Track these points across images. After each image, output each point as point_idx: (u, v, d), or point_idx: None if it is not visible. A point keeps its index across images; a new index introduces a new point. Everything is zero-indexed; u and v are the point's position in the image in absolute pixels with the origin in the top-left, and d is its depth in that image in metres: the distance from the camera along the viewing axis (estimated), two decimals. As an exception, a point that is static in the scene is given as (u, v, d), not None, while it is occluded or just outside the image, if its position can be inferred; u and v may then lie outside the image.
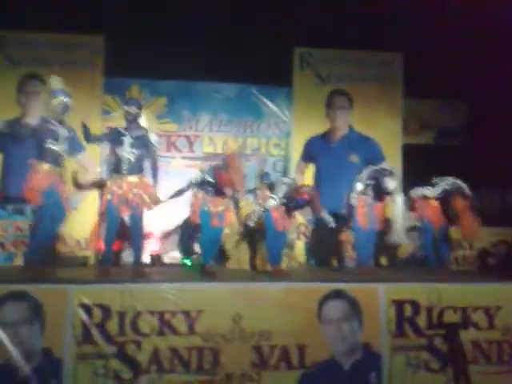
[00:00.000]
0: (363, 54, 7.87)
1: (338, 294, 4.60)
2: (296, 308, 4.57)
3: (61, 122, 5.26)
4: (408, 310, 4.59)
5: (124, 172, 5.40)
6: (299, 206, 5.91)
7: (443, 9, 7.35)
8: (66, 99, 5.25)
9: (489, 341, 4.64)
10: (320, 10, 7.56)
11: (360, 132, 7.69)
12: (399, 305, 4.59)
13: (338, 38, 7.60)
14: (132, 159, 5.43)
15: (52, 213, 5.06)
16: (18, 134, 7.00)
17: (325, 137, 7.69)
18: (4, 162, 7.04)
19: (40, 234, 5.14)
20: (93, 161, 7.13)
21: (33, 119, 7.07)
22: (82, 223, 6.97)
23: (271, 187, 5.89)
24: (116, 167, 5.47)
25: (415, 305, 4.60)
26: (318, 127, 7.71)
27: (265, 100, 7.94)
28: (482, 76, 7.72)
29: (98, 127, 7.15)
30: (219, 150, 7.65)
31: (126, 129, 5.54)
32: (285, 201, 5.62)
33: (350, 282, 4.77)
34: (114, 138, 5.50)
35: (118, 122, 7.37)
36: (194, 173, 6.49)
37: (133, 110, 5.56)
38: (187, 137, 7.74)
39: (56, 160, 5.17)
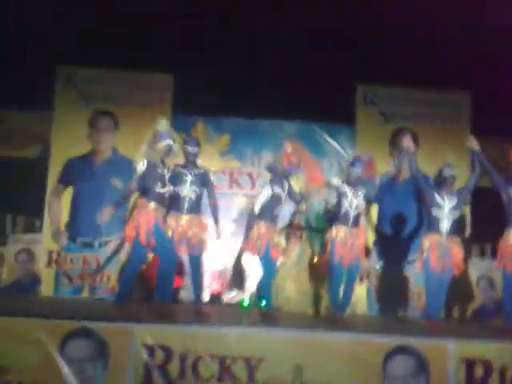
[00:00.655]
0: (428, 92, 7.72)
1: (405, 349, 4.43)
2: (360, 362, 4.43)
3: (163, 164, 5.48)
4: (479, 371, 4.36)
5: (184, 210, 5.45)
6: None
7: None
8: (170, 142, 5.47)
9: None
10: (384, 48, 7.55)
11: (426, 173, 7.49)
12: (470, 364, 4.37)
13: (401, 75, 7.53)
14: (193, 198, 5.49)
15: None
16: (88, 170, 7.26)
17: (391, 178, 7.52)
18: (74, 196, 7.28)
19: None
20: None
21: (104, 155, 7.35)
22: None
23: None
24: (176, 205, 5.53)
25: (487, 365, 4.37)
26: (383, 166, 7.58)
27: (327, 138, 7.88)
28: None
29: (165, 164, 7.39)
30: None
31: (186, 167, 5.61)
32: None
33: (418, 335, 4.59)
34: (175, 176, 5.56)
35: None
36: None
37: (193, 149, 5.67)
38: (249, 174, 7.77)
39: (161, 200, 5.39)
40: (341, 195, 5.79)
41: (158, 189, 5.37)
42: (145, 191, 5.40)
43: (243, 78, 7.56)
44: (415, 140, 7.58)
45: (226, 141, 7.74)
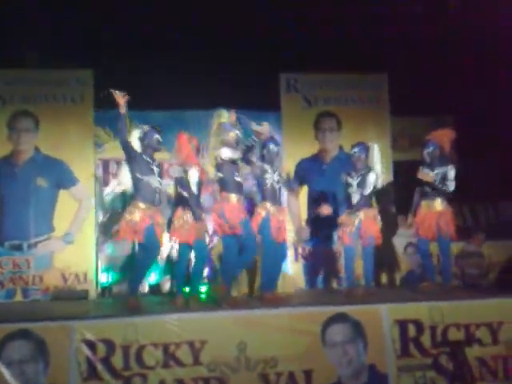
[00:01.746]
0: (348, 76, 7.99)
1: (340, 317, 4.61)
2: (300, 333, 4.58)
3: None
4: (412, 330, 4.62)
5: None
6: None
7: (426, 26, 7.55)
8: (238, 132, 5.61)
9: (494, 357, 4.67)
10: (303, 36, 7.74)
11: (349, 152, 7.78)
12: (403, 325, 4.62)
13: (322, 61, 7.75)
14: None
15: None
16: (10, 172, 7.01)
17: (316, 158, 7.77)
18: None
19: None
20: (87, 193, 7.16)
21: (26, 155, 7.12)
22: (80, 256, 6.95)
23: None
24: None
25: (419, 324, 4.63)
26: (308, 149, 7.80)
27: (254, 125, 7.97)
28: (468, 90, 7.88)
29: (90, 159, 7.25)
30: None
31: None
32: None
33: (352, 304, 4.79)
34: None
35: (110, 153, 7.53)
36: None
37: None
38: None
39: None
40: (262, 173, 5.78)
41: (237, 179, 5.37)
42: (224, 183, 5.35)
43: (166, 68, 7.53)
44: (338, 122, 7.88)
45: (154, 133, 7.68)
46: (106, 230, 7.37)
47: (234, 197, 5.31)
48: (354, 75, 7.98)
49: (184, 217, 5.62)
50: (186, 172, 5.73)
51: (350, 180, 5.90)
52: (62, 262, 6.89)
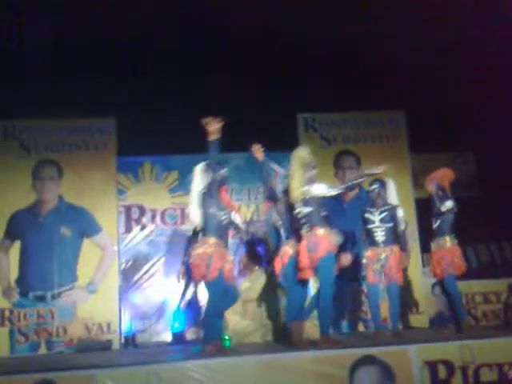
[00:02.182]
0: (366, 114, 8.02)
1: (368, 360, 4.47)
2: (327, 377, 4.44)
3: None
4: (442, 371, 4.44)
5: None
6: None
7: (441, 63, 7.58)
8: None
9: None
10: (319, 76, 7.82)
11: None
12: (432, 366, 4.45)
13: (339, 100, 7.80)
14: None
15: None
16: (34, 221, 7.11)
17: (336, 197, 7.69)
18: (22, 249, 7.09)
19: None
20: (110, 241, 7.20)
21: (50, 204, 7.23)
22: (103, 306, 6.96)
23: None
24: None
25: (449, 364, 4.46)
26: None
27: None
28: (487, 126, 7.82)
29: (113, 206, 7.33)
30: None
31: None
32: None
33: (379, 346, 4.65)
34: None
35: (132, 199, 7.60)
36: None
37: None
38: (201, 208, 7.77)
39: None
40: None
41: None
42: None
43: (186, 112, 7.64)
44: (357, 160, 7.86)
45: (175, 177, 7.78)
46: (129, 278, 7.37)
47: (322, 230, 5.17)
48: (371, 113, 8.01)
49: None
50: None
51: (370, 216, 5.79)
52: (86, 312, 6.91)
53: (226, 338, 5.75)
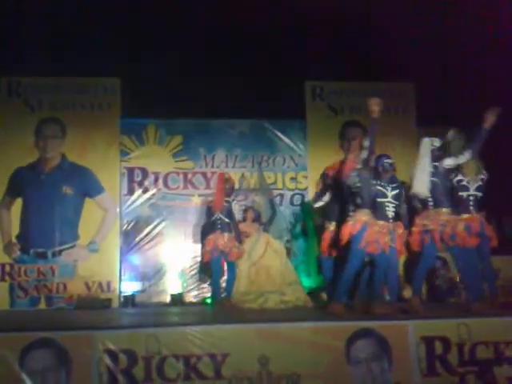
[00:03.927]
0: (374, 85, 7.89)
1: (365, 332, 4.51)
2: (324, 348, 4.49)
3: None
4: (439, 347, 4.49)
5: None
6: None
7: (452, 35, 7.45)
8: None
9: (524, 377, 4.52)
10: (329, 45, 7.70)
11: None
12: (429, 342, 4.50)
13: (348, 70, 7.69)
14: None
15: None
16: (36, 179, 7.09)
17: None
18: (24, 206, 7.09)
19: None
20: (112, 202, 7.19)
21: (53, 162, 7.20)
22: (103, 265, 7.00)
23: None
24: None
25: (446, 341, 4.50)
26: (334, 159, 7.70)
27: (279, 134, 7.97)
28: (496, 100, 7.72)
29: (116, 167, 7.30)
30: (236, 186, 7.68)
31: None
32: None
33: (377, 319, 4.69)
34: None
35: (135, 162, 7.57)
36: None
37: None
38: (203, 174, 7.76)
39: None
40: None
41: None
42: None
43: (192, 78, 7.55)
44: (364, 131, 7.77)
45: (178, 142, 7.72)
46: (130, 240, 7.41)
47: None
48: (380, 84, 7.90)
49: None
50: None
51: (383, 190, 5.61)
52: (86, 271, 6.98)
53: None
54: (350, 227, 5.25)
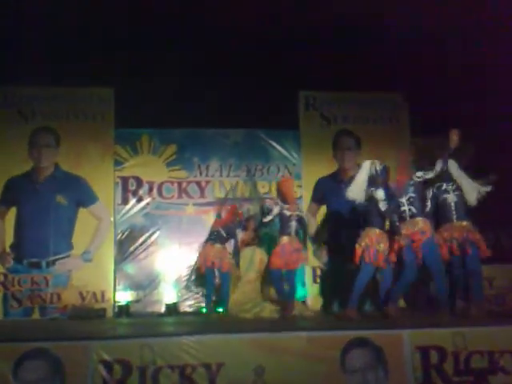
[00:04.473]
0: (368, 94, 7.95)
1: (361, 342, 4.52)
2: (319, 358, 4.49)
3: None
4: (434, 357, 4.50)
5: None
6: None
7: (444, 46, 7.50)
8: None
9: (519, 386, 4.53)
10: (322, 55, 7.73)
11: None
12: (425, 351, 4.51)
13: (341, 80, 7.73)
14: None
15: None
16: (31, 188, 7.07)
17: (334, 177, 7.72)
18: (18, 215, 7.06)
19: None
20: (106, 211, 7.18)
21: (46, 172, 7.19)
22: (98, 275, 6.98)
23: None
24: None
25: (441, 351, 4.51)
26: (328, 168, 7.75)
27: (273, 143, 8.00)
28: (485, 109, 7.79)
29: (110, 177, 7.29)
30: (230, 195, 7.70)
31: None
32: None
33: (373, 328, 4.70)
34: None
35: (129, 171, 7.57)
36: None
37: None
38: (198, 183, 7.77)
39: None
40: None
41: None
42: None
43: (185, 88, 7.56)
44: (357, 141, 7.82)
45: (172, 151, 7.72)
46: (124, 249, 7.39)
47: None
48: (373, 94, 7.95)
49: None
50: None
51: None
52: (80, 281, 6.95)
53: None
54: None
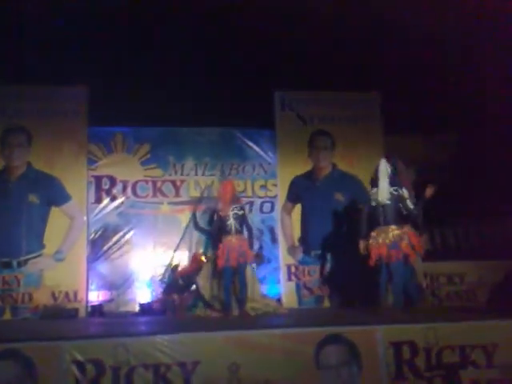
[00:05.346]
0: (342, 94, 8.01)
1: (335, 339, 4.55)
2: (293, 354, 4.51)
3: None
4: (406, 352, 4.56)
5: None
6: None
7: (417, 44, 7.60)
8: None
9: (489, 380, 4.61)
10: (297, 53, 7.77)
11: (343, 170, 7.80)
12: (397, 347, 4.56)
13: (316, 80, 7.78)
14: None
15: None
16: (2, 187, 6.96)
17: (309, 176, 7.76)
18: None
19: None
20: (79, 210, 7.10)
21: (19, 171, 7.08)
22: (70, 275, 6.89)
23: None
24: None
25: (413, 346, 4.58)
26: (303, 167, 7.79)
27: (248, 142, 8.00)
28: (466, 108, 7.91)
29: (83, 176, 7.21)
30: (205, 194, 7.69)
31: None
32: None
33: (346, 324, 4.74)
34: None
35: (103, 169, 7.49)
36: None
37: None
38: (173, 182, 7.73)
39: None
40: None
41: None
42: None
43: (160, 86, 7.53)
44: (332, 141, 7.88)
45: (147, 150, 7.67)
46: (97, 248, 7.31)
47: None
48: (348, 93, 8.01)
49: None
50: None
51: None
52: (52, 280, 6.84)
53: None
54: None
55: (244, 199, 7.63)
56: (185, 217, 7.57)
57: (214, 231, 6.83)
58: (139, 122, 7.59)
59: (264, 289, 7.21)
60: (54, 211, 7.05)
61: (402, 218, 5.83)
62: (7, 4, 6.82)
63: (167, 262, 7.39)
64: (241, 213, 6.54)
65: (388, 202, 5.80)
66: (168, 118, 7.60)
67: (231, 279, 6.38)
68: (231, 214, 6.47)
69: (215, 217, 6.81)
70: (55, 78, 7.14)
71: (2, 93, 7.19)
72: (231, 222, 6.42)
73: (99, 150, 7.53)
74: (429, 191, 6.05)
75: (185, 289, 6.93)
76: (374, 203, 5.88)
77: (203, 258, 7.18)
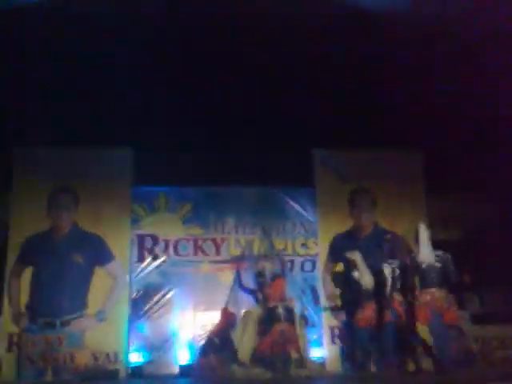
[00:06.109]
0: (382, 152, 7.97)
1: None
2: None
3: None
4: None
5: None
6: None
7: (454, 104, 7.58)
8: None
9: None
10: (338, 113, 7.85)
11: (385, 228, 7.67)
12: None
13: (356, 138, 7.79)
14: None
15: None
16: (48, 247, 7.10)
17: (350, 234, 7.66)
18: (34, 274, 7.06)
19: None
20: (122, 270, 7.17)
21: (64, 230, 7.25)
22: (111, 335, 6.91)
23: None
24: None
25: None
26: (343, 225, 7.71)
27: (288, 200, 8.01)
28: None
29: (126, 235, 7.33)
30: (246, 252, 7.68)
31: None
32: None
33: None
34: None
35: (146, 228, 7.60)
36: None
37: None
38: (213, 240, 7.76)
39: None
40: None
41: None
42: None
43: (202, 146, 7.70)
44: (373, 199, 7.80)
45: (188, 209, 7.77)
46: (139, 308, 7.31)
47: None
48: (388, 152, 7.98)
49: None
50: None
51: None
52: (94, 341, 6.85)
53: None
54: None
55: (285, 257, 7.58)
56: (225, 275, 7.54)
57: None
58: (181, 182, 7.74)
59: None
60: (97, 270, 7.14)
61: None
62: (59, 68, 7.16)
63: (207, 322, 7.31)
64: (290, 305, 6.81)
65: (432, 263, 5.68)
66: (209, 179, 7.71)
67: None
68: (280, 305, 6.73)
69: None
70: (100, 139, 7.37)
71: (50, 154, 7.48)
72: (280, 310, 6.65)
73: (142, 209, 7.68)
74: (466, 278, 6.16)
75: (221, 348, 6.80)
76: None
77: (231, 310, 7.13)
